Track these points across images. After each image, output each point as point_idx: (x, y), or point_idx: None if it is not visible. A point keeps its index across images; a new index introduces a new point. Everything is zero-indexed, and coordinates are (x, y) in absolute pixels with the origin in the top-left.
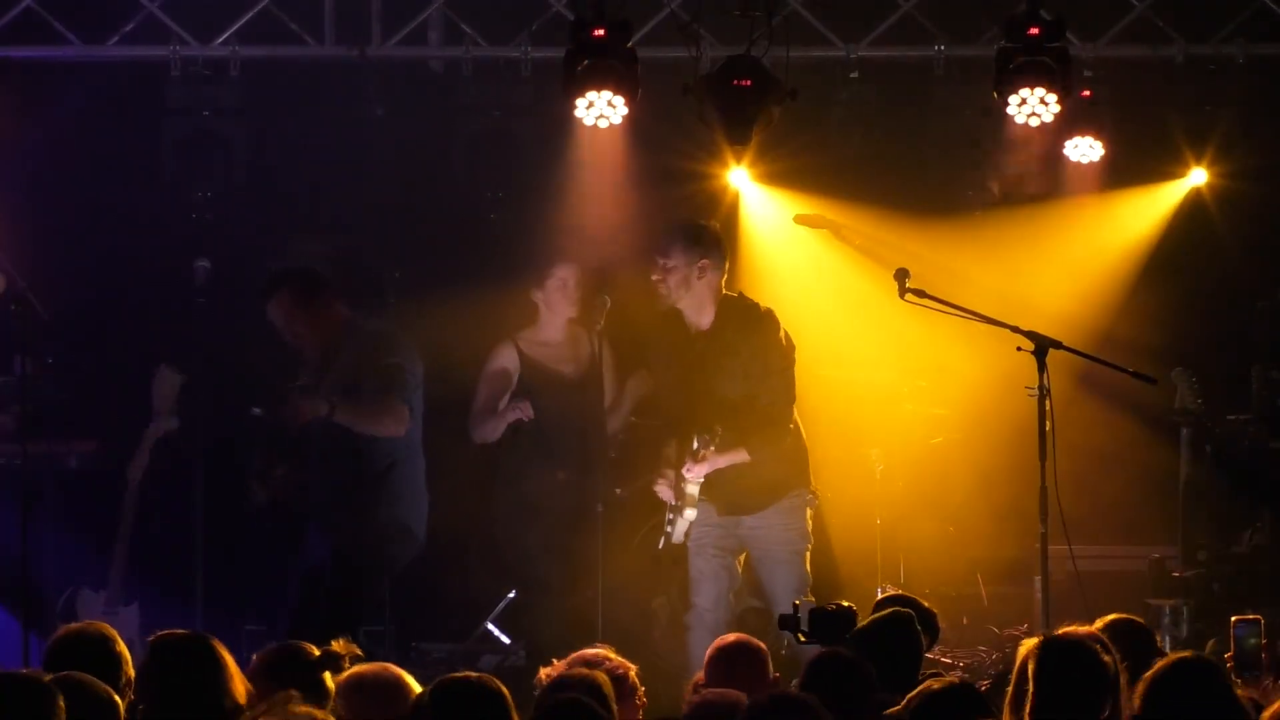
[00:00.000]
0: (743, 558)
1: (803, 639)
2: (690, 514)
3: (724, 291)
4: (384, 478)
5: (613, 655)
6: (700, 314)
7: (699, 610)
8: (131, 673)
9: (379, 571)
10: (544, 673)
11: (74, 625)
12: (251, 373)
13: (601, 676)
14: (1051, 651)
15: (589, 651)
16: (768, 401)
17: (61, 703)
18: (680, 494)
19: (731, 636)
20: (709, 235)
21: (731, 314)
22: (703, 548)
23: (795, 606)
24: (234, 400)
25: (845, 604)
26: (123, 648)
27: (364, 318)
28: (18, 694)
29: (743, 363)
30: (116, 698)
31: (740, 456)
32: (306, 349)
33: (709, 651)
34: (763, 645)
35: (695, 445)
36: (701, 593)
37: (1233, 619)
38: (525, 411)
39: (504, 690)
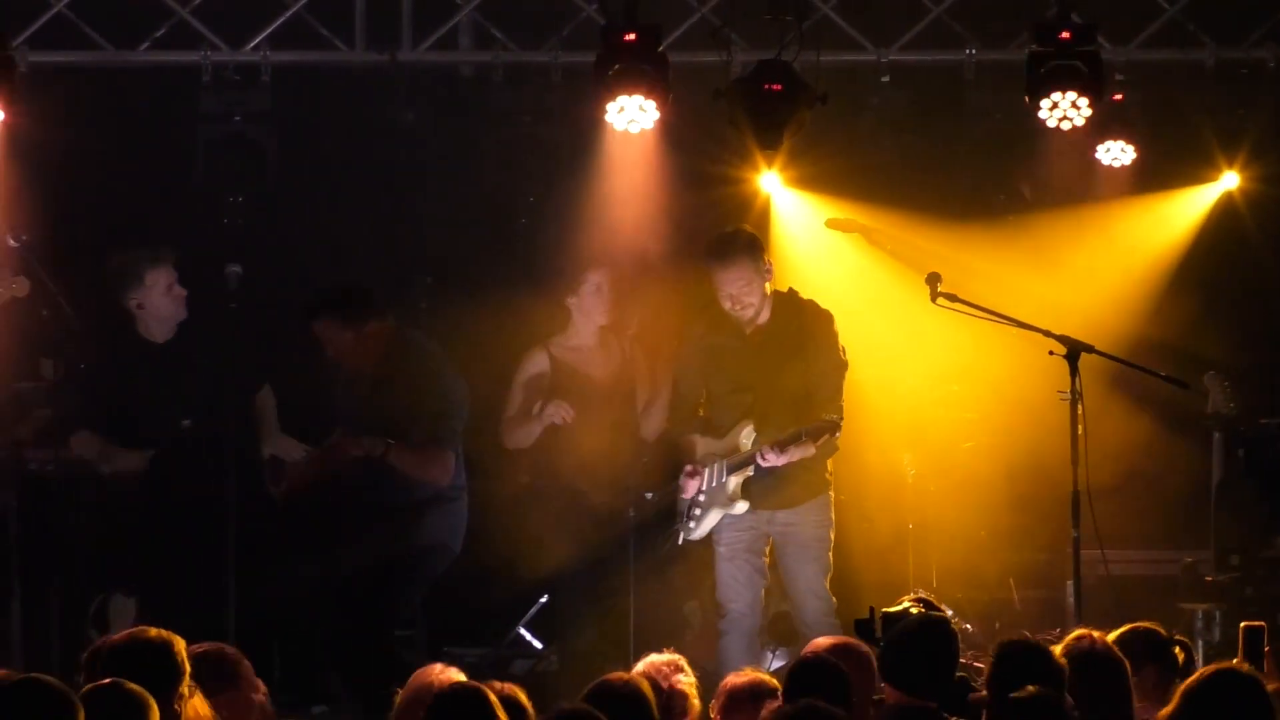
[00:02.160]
0: (767, 560)
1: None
2: (741, 507)
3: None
4: (428, 504)
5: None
6: (760, 311)
7: (735, 615)
8: (185, 688)
9: (415, 587)
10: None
11: (134, 631)
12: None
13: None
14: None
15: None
16: (826, 398)
17: (81, 712)
18: (718, 491)
19: (745, 676)
20: (756, 238)
21: (791, 309)
22: (735, 553)
23: (871, 611)
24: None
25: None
26: (184, 656)
27: (411, 329)
28: (37, 699)
29: (805, 360)
30: (151, 700)
31: (808, 452)
32: (353, 366)
33: (722, 691)
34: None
35: (791, 434)
36: (738, 598)
37: (1241, 625)
38: (565, 413)
39: None
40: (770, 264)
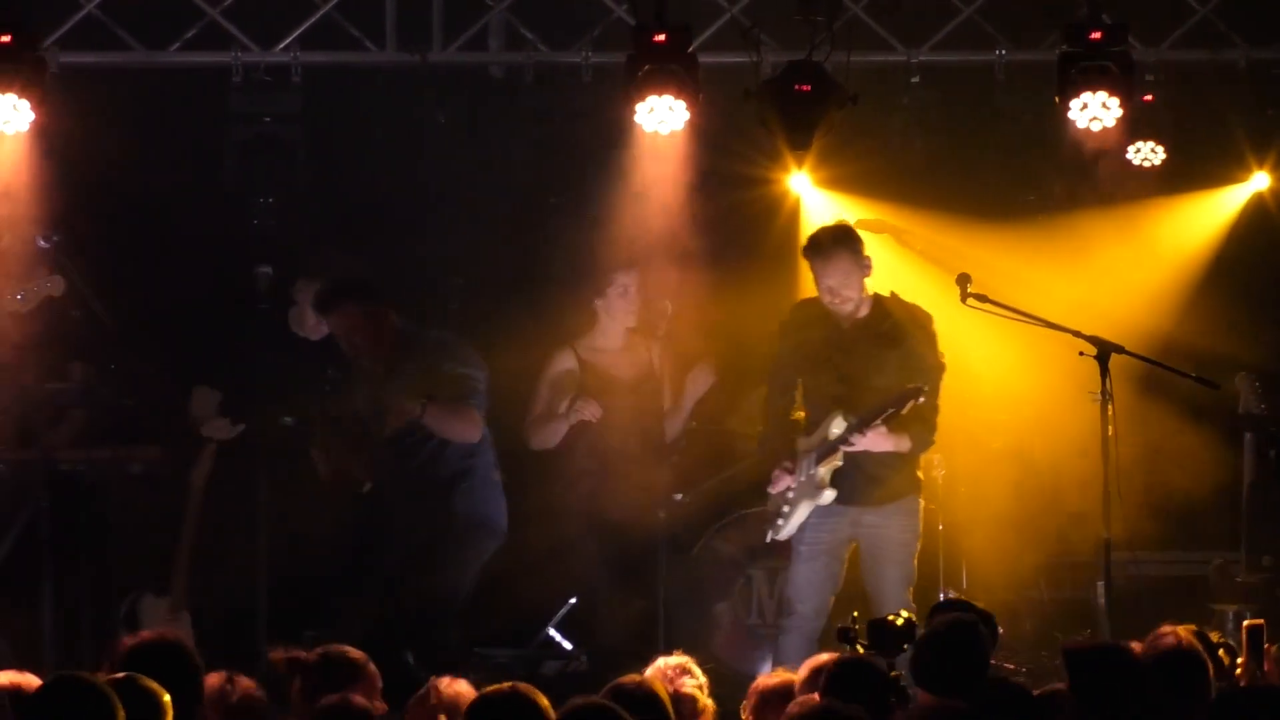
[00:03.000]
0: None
1: (861, 650)
2: (828, 496)
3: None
4: (460, 478)
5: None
6: (858, 306)
7: (801, 616)
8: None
9: (467, 560)
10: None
11: (147, 634)
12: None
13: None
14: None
15: (671, 662)
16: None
17: (120, 708)
18: (806, 483)
19: (776, 678)
20: (856, 233)
21: (890, 307)
22: (816, 554)
23: (853, 619)
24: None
25: (906, 615)
26: (196, 657)
27: (421, 327)
28: (76, 697)
29: (901, 355)
30: (165, 697)
31: (903, 444)
32: (366, 358)
33: (753, 692)
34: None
35: (875, 407)
36: (807, 600)
37: (1245, 623)
38: (593, 411)
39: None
40: (869, 259)
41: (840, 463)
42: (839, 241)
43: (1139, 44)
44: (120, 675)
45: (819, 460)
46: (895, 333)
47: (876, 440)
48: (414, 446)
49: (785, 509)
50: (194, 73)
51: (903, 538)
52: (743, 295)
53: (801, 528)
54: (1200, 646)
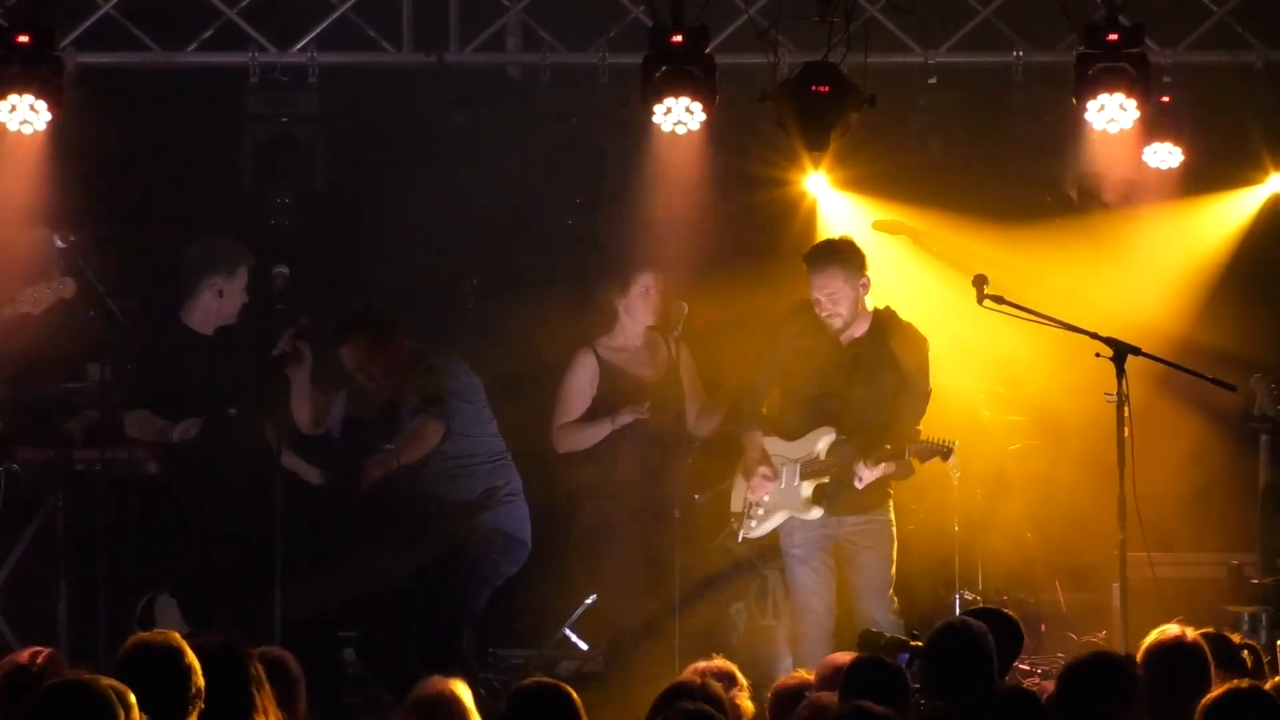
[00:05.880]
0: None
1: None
2: (816, 513)
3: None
4: (488, 496)
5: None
6: (850, 323)
7: (817, 616)
8: (201, 683)
9: (483, 580)
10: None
11: (144, 635)
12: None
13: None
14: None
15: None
16: (908, 421)
17: (121, 712)
18: (787, 493)
19: (795, 678)
20: (856, 249)
21: (890, 327)
22: (811, 554)
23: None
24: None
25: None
26: (192, 659)
27: (429, 345)
28: (79, 701)
29: (898, 378)
30: (130, 697)
31: (890, 469)
32: (378, 389)
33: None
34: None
35: (889, 450)
36: (819, 599)
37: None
38: (640, 411)
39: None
40: (867, 280)
41: (826, 479)
42: (831, 257)
43: (1156, 45)
44: (70, 678)
45: (803, 474)
46: (892, 358)
47: (875, 474)
48: (438, 461)
49: (760, 511)
50: (211, 73)
51: (886, 533)
52: (759, 295)
53: (788, 531)
54: (1202, 644)
